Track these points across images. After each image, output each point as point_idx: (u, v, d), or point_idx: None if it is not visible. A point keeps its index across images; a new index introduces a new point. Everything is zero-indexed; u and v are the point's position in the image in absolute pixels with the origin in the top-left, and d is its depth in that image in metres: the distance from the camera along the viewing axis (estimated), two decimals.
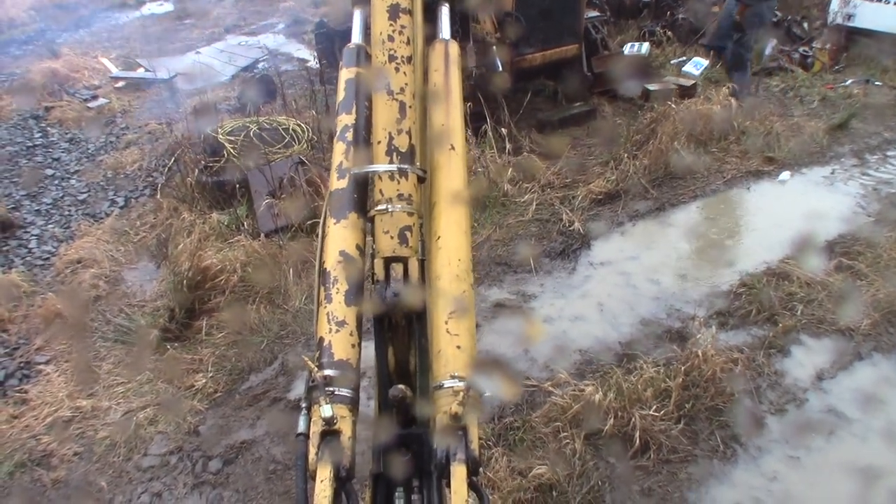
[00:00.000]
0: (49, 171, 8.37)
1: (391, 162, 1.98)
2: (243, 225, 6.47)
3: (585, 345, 5.03)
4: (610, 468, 4.10)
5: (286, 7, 13.85)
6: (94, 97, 10.36)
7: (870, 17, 9.36)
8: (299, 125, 7.67)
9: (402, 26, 2.12)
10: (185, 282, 5.57)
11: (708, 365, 4.53)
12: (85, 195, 7.80)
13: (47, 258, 6.69)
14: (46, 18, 14.49)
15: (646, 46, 9.25)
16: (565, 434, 4.19)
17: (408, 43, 2.11)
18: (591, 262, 5.95)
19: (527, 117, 7.80)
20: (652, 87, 8.82)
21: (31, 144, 9.06)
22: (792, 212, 6.35)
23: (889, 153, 7.34)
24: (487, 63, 7.59)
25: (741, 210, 6.60)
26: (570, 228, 6.23)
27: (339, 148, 2.10)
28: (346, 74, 2.25)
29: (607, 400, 4.27)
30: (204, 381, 4.96)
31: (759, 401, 4.50)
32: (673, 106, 7.46)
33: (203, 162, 7.27)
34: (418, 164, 2.03)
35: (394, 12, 2.12)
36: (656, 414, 4.24)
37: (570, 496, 3.91)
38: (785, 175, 6.93)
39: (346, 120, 2.14)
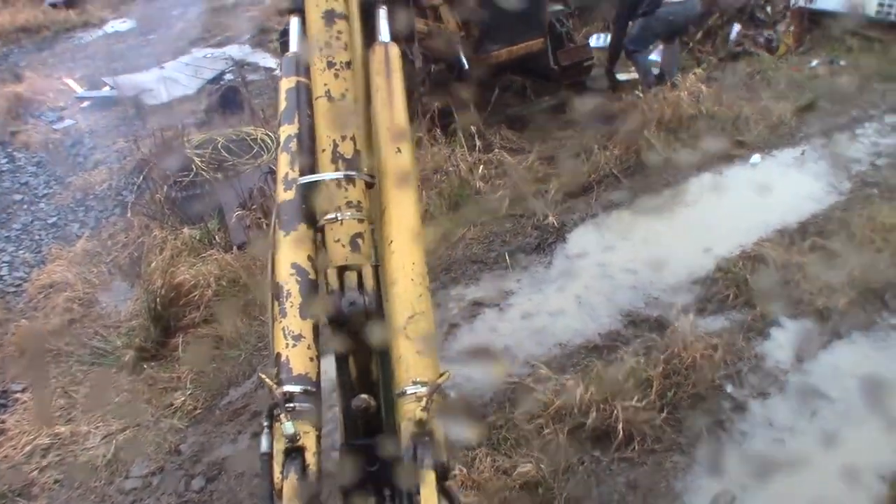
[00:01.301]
0: (17, 197, 8.27)
1: (337, 169, 1.95)
2: (215, 238, 6.41)
3: (565, 338, 5.01)
4: (595, 462, 4.09)
5: (250, 17, 13.76)
6: (60, 119, 10.26)
7: None
8: (267, 134, 7.62)
9: (339, 32, 2.09)
10: (158, 300, 5.51)
11: (688, 352, 4.52)
12: (55, 218, 7.71)
13: (19, 284, 6.62)
14: (8, 42, 14.33)
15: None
16: (548, 430, 4.17)
17: (346, 48, 2.09)
18: (566, 255, 5.93)
19: (496, 113, 7.78)
20: (621, 77, 8.85)
21: None
22: (764, 194, 6.36)
23: (857, 131, 7.37)
24: (453, 61, 7.59)
25: (714, 195, 6.60)
26: (545, 222, 6.20)
27: (283, 159, 2.07)
28: (286, 84, 2.22)
29: (589, 393, 4.25)
30: (183, 398, 4.90)
31: (741, 385, 4.50)
32: (640, 95, 7.46)
33: (172, 178, 7.21)
34: (365, 169, 2.00)
35: (329, 18, 2.10)
36: (638, 405, 4.22)
37: (556, 492, 3.89)
38: (756, 158, 6.95)
39: (288, 130, 2.11)
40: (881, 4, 9.24)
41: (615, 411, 4.16)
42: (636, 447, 4.11)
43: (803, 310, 5.05)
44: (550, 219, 6.20)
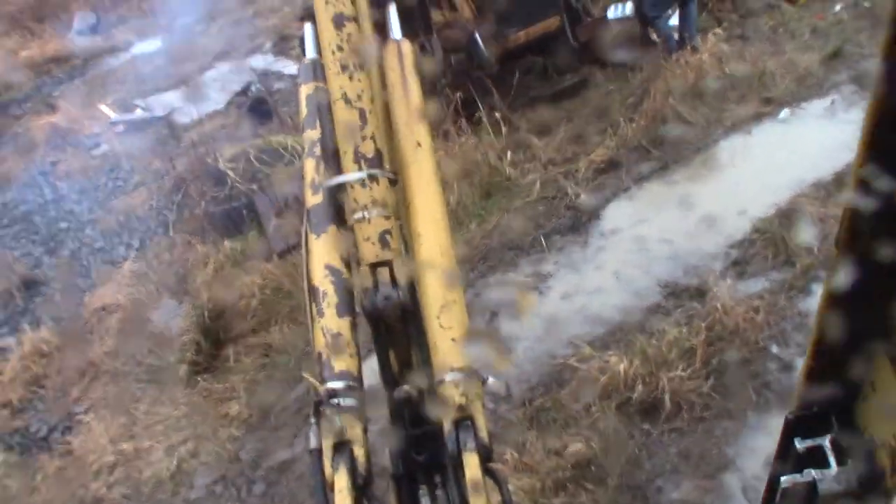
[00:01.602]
0: (63, 225, 8.50)
1: (360, 169, 1.99)
2: (256, 248, 6.54)
3: (606, 316, 5.04)
4: (645, 435, 4.12)
5: (270, 26, 13.86)
6: (97, 145, 10.49)
7: None
8: (297, 141, 7.71)
9: (349, 34, 2.14)
10: (206, 313, 5.65)
11: (729, 317, 4.52)
12: (101, 243, 7.92)
13: (73, 310, 6.82)
14: (39, 74, 14.65)
15: (629, 6, 9.16)
16: (596, 408, 4.21)
17: (357, 50, 2.14)
18: (601, 232, 5.94)
19: (519, 97, 7.75)
20: None
21: (42, 201, 9.21)
22: (796, 149, 6.29)
23: None
24: (472, 49, 7.59)
25: (745, 155, 6.53)
26: (577, 202, 6.21)
27: (309, 164, 2.13)
28: (305, 90, 2.29)
29: (633, 367, 4.28)
30: (238, 407, 5.04)
31: (786, 345, 4.48)
32: (663, 62, 7.40)
33: (209, 193, 7.36)
34: (388, 166, 2.06)
35: (338, 21, 2.14)
36: (684, 374, 4.24)
37: (609, 469, 3.93)
38: (784, 113, 6.86)
39: (311, 136, 2.18)
40: None
41: (661, 383, 4.19)
42: (685, 416, 4.14)
43: None
44: (583, 197, 6.20)
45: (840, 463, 1.42)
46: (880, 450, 1.33)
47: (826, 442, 1.46)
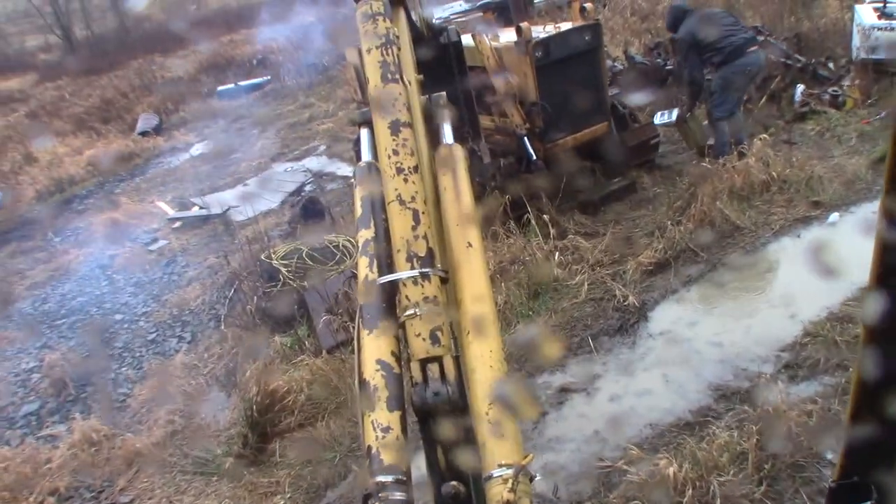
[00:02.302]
0: (118, 316, 8.73)
1: (412, 268, 2.07)
2: (305, 344, 6.64)
3: (655, 418, 4.97)
4: None
5: (325, 129, 14.38)
6: (154, 240, 10.86)
7: (893, 47, 9.33)
8: (349, 240, 7.90)
9: (405, 139, 2.25)
10: (254, 407, 5.70)
11: (782, 421, 4.43)
12: (153, 335, 8.10)
13: (123, 400, 6.95)
14: (103, 171, 15.28)
15: (675, 112, 9.35)
16: None
17: (412, 154, 2.24)
18: (650, 333, 5.92)
19: (568, 200, 7.89)
20: (658, 120, 8.83)
21: (99, 293, 9.49)
22: (846, 252, 6.23)
23: None
24: (521, 153, 7.78)
25: (794, 258, 6.52)
26: (625, 303, 6.21)
27: (363, 262, 2.21)
28: (360, 192, 2.39)
29: (683, 471, 4.20)
30: (283, 502, 5.02)
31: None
32: (708, 166, 7.50)
33: (261, 288, 7.54)
34: (439, 265, 2.13)
35: (395, 128, 2.27)
36: (735, 479, 4.15)
37: None
38: (834, 217, 6.85)
39: (365, 235, 2.26)
40: None
41: (711, 487, 4.09)
42: None
43: None
44: (631, 299, 6.22)
45: None
46: None
47: None
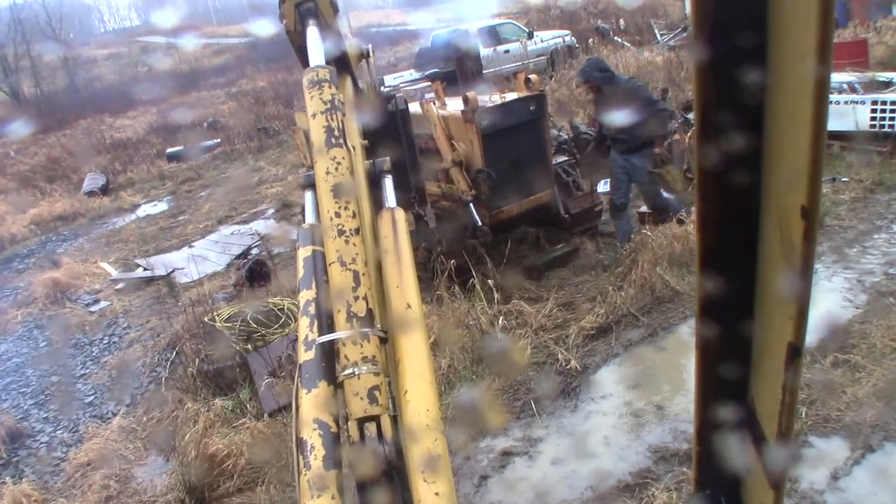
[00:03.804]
0: (55, 378, 8.53)
1: (352, 328, 2.10)
2: (247, 407, 6.55)
3: (594, 482, 5.00)
4: None
5: (274, 193, 14.42)
6: (96, 301, 10.69)
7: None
8: (294, 304, 7.88)
9: (347, 202, 2.31)
10: (192, 471, 5.59)
11: None
12: (91, 397, 7.93)
13: (57, 464, 6.75)
14: (46, 231, 15.06)
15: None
16: None
17: (354, 216, 2.30)
18: (591, 397, 5.99)
19: (512, 265, 8.01)
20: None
21: (36, 354, 9.28)
22: None
23: (867, 244, 7.52)
24: (466, 219, 7.91)
25: None
26: (568, 367, 6.30)
27: (303, 322, 2.24)
28: (302, 253, 2.43)
29: None
30: None
31: None
32: (648, 234, 7.70)
33: (203, 351, 7.45)
34: (378, 325, 2.17)
35: (337, 191, 2.33)
36: None
37: None
38: None
39: (307, 295, 2.29)
40: (873, 117, 9.66)
41: None
42: None
43: (832, 427, 5.02)
44: (573, 363, 6.30)
45: None
46: None
47: None
